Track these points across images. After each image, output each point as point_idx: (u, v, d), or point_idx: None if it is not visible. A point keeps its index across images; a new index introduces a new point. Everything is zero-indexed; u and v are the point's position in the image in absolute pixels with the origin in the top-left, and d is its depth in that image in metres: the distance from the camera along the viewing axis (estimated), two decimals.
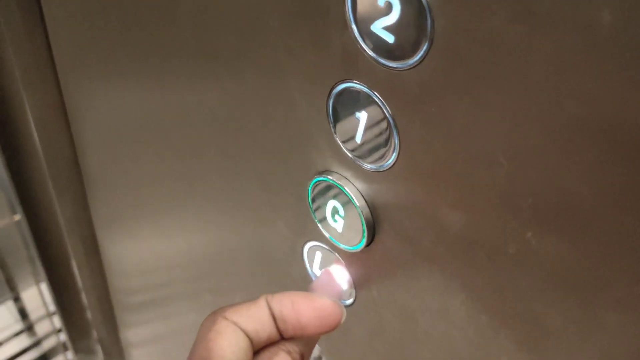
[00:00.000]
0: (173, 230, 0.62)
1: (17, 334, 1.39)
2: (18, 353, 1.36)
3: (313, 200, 0.36)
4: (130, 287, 0.86)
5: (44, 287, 0.98)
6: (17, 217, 0.90)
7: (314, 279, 0.40)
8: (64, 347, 1.08)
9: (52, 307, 1.01)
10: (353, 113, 0.31)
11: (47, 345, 1.27)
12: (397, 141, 0.29)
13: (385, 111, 0.29)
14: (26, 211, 0.85)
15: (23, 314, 1.37)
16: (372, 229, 0.33)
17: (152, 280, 0.77)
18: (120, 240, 0.79)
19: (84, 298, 0.92)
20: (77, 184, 0.79)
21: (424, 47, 0.25)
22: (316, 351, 0.44)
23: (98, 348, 1.01)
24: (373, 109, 0.29)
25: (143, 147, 0.57)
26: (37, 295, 1.07)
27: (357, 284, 0.37)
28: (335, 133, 0.33)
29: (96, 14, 0.49)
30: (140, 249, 0.75)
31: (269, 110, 0.36)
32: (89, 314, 0.95)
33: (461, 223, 0.29)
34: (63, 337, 1.05)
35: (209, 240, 0.54)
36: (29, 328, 1.37)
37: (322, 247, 0.38)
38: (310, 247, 0.39)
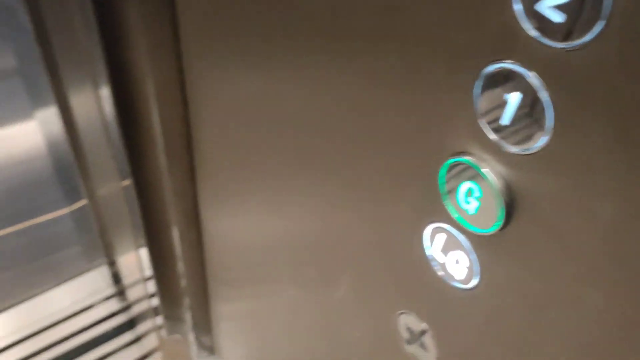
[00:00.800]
0: (281, 211, 0.63)
1: (108, 298, 1.47)
2: (107, 316, 1.44)
3: (446, 180, 0.36)
4: (227, 262, 0.89)
5: (142, 253, 1.03)
6: (126, 182, 0.94)
7: (432, 263, 0.41)
8: (154, 312, 1.13)
9: (147, 272, 1.06)
10: (502, 94, 0.31)
11: (136, 310, 1.33)
12: (551, 125, 0.29)
13: (541, 93, 0.29)
14: (135, 178, 0.90)
15: (116, 279, 1.44)
16: (509, 213, 0.33)
17: (251, 259, 0.79)
18: (223, 215, 0.82)
19: (180, 266, 0.96)
20: (187, 157, 0.82)
21: (598, 27, 0.25)
22: (421, 325, 0.44)
23: (188, 317, 1.05)
24: (529, 90, 0.29)
25: (259, 127, 0.59)
26: (134, 261, 1.12)
27: (482, 268, 0.37)
28: (479, 114, 0.33)
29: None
30: (244, 227, 0.78)
31: (407, 88, 0.37)
32: (183, 282, 0.99)
33: (611, 214, 0.28)
34: (154, 302, 1.10)
35: (319, 220, 0.56)
36: (121, 293, 1.45)
37: (446, 229, 0.38)
38: (434, 229, 0.40)
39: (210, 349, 1.10)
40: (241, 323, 0.95)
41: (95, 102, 0.94)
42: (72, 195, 1.62)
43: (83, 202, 1.38)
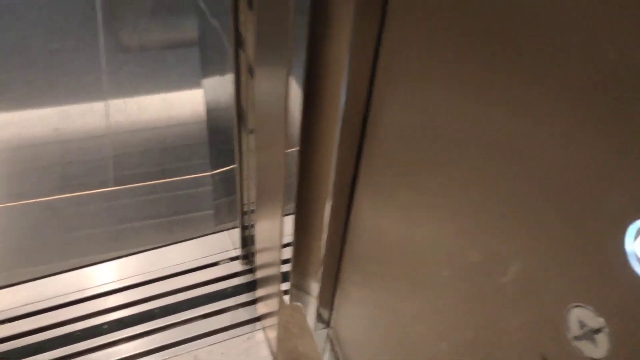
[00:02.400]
0: (427, 225, 0.66)
1: (238, 258, 1.57)
2: (234, 274, 1.54)
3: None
4: (365, 250, 0.93)
5: (287, 220, 1.10)
6: (289, 150, 1.01)
7: (630, 258, 0.42)
8: (281, 278, 1.19)
9: (285, 239, 1.13)
10: None
11: (260, 274, 1.42)
12: None
13: None
14: (304, 147, 0.96)
15: (250, 241, 1.54)
16: None
17: (386, 255, 0.83)
18: (374, 206, 0.86)
19: (323, 238, 1.01)
20: (358, 143, 0.87)
21: None
22: (598, 320, 0.45)
23: (315, 288, 1.11)
24: None
25: (435, 141, 0.63)
26: (275, 227, 1.19)
27: None
28: None
29: (439, 10, 0.55)
30: (388, 223, 0.81)
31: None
32: (320, 255, 1.04)
33: None
34: (285, 269, 1.16)
35: (464, 242, 0.58)
36: (252, 254, 1.54)
37: None
38: None
39: (327, 323, 1.15)
40: (360, 309, 0.98)
41: (283, 77, 1.01)
42: (219, 161, 1.74)
43: (231, 166, 1.48)
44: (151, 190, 1.80)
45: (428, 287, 0.74)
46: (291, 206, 1.08)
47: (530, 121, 0.49)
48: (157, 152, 1.88)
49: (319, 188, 0.98)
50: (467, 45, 0.54)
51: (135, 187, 1.81)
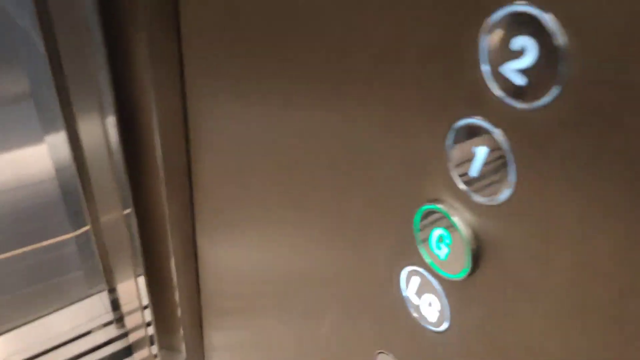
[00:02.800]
0: (272, 245, 0.65)
1: (106, 324, 1.48)
2: (105, 342, 1.45)
3: (420, 226, 0.38)
4: (222, 292, 0.90)
5: (141, 281, 1.05)
6: (127, 211, 0.97)
7: (408, 304, 0.42)
8: (150, 341, 1.14)
9: (144, 301, 1.07)
10: (471, 147, 0.33)
11: (133, 337, 1.34)
12: (514, 178, 0.31)
13: (505, 149, 0.30)
14: (136, 207, 0.92)
15: (115, 305, 1.46)
16: (476, 260, 0.35)
17: (243, 290, 0.80)
18: (219, 246, 0.84)
19: (176, 296, 0.97)
20: (186, 188, 0.84)
21: (555, 91, 0.27)
22: None
23: (182, 346, 1.06)
24: (493, 145, 0.31)
25: (254, 162, 0.61)
26: (133, 288, 1.13)
27: (453, 312, 0.38)
28: (450, 165, 0.34)
29: (230, 30, 0.54)
30: (236, 258, 0.79)
31: (389, 135, 0.39)
32: (179, 312, 1.00)
33: (570, 266, 0.30)
34: (150, 331, 1.11)
35: (306, 258, 0.57)
36: (119, 319, 1.45)
37: (420, 272, 0.40)
38: (409, 272, 0.41)
39: None
40: (232, 353, 0.95)
41: (102, 131, 0.97)
42: (77, 220, 1.64)
43: (86, 228, 1.40)
44: (9, 260, 1.67)
45: (271, 335, 0.73)
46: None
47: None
48: (9, 218, 1.74)
49: (161, 244, 0.94)
50: (267, 71, 0.52)
51: None
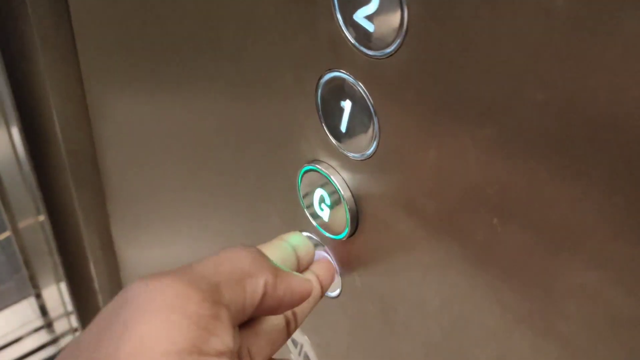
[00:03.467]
0: (185, 232, 0.64)
1: (37, 330, 1.42)
2: (36, 349, 1.39)
3: (302, 189, 0.37)
4: None
5: (64, 286, 1.01)
6: (41, 217, 0.93)
7: None
8: None
9: (70, 306, 1.04)
10: (339, 102, 0.32)
11: (64, 342, 1.29)
12: (377, 129, 0.30)
13: (367, 99, 0.30)
14: (49, 212, 0.88)
15: (43, 310, 1.40)
16: (356, 218, 0.34)
17: None
18: (136, 241, 0.81)
19: (100, 299, 0.94)
20: (96, 185, 0.81)
21: (400, 36, 0.26)
22: (303, 337, 0.45)
23: None
24: (356, 97, 0.30)
25: (156, 149, 0.59)
26: (57, 294, 1.09)
27: (342, 275, 0.38)
28: (322, 122, 0.34)
29: (119, 19, 0.52)
30: (154, 251, 0.77)
31: (265, 100, 0.38)
32: None
33: (435, 211, 0.29)
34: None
35: (213, 240, 0.56)
36: (49, 325, 1.40)
37: (311, 237, 0.39)
38: None
39: None
40: None
41: (8, 140, 0.92)
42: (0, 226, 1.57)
43: (7, 234, 1.34)
44: None
45: None
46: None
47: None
48: None
49: (78, 248, 0.90)
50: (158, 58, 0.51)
51: None
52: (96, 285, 0.92)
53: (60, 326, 1.27)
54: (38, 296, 1.35)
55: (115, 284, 0.93)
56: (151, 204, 0.69)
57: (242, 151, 0.43)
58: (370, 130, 0.30)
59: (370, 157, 0.31)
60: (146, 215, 0.74)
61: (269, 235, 0.43)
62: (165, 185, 0.63)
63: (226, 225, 0.52)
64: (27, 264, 1.31)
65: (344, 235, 0.35)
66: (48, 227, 0.89)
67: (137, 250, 0.83)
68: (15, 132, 0.83)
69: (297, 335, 0.46)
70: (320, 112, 0.33)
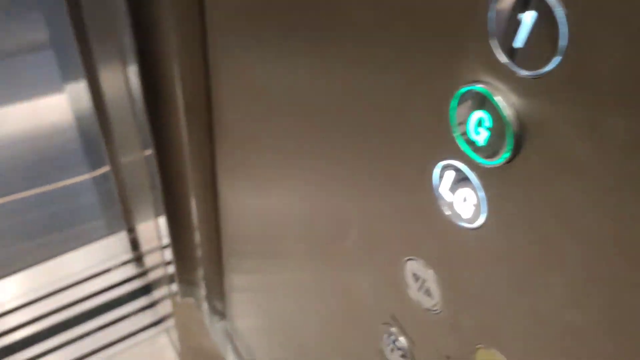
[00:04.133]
0: (291, 188, 0.64)
1: (125, 263, 1.49)
2: (124, 280, 1.47)
3: (457, 112, 0.36)
4: (240, 233, 0.90)
5: (161, 221, 1.04)
6: (148, 152, 0.96)
7: (440, 202, 0.40)
8: (169, 279, 1.14)
9: (164, 240, 1.07)
10: (516, 14, 0.30)
11: (152, 276, 1.35)
12: (565, 43, 0.28)
13: (557, 10, 0.28)
14: (157, 148, 0.91)
15: (134, 245, 1.46)
16: (519, 141, 0.32)
17: (260, 230, 0.80)
18: (239, 189, 0.83)
19: (196, 235, 0.97)
20: (207, 130, 0.83)
21: None
22: (427, 272, 0.44)
23: (202, 284, 1.06)
24: (542, 7, 0.28)
25: (274, 106, 0.60)
26: (152, 228, 1.13)
27: (490, 204, 0.36)
28: (492, 36, 0.32)
29: None
30: (256, 201, 0.78)
31: (415, 17, 0.36)
32: (199, 251, 1.00)
33: (623, 136, 0.27)
34: (170, 269, 1.11)
35: (324, 197, 0.56)
36: (138, 259, 1.47)
37: (455, 165, 0.38)
38: (443, 167, 0.39)
39: (222, 314, 1.11)
40: (252, 292, 0.95)
41: (123, 76, 0.95)
42: (96, 162, 1.65)
43: (106, 169, 1.40)
44: (31, 202, 1.68)
45: (291, 261, 0.72)
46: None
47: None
48: (30, 164, 1.75)
49: (181, 186, 0.93)
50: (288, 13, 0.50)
51: (13, 200, 1.68)
52: (194, 220, 0.95)
53: (150, 260, 1.33)
54: (130, 230, 1.41)
55: (213, 222, 0.96)
56: (256, 153, 0.70)
57: (385, 66, 0.42)
58: (556, 45, 0.28)
59: (548, 74, 0.29)
60: (250, 163, 0.75)
61: (400, 165, 0.42)
62: (277, 140, 0.63)
63: (348, 166, 0.51)
64: (123, 199, 1.37)
65: (501, 160, 0.34)
66: (154, 162, 0.92)
67: (236, 193, 0.85)
68: (132, 70, 0.86)
69: (420, 268, 0.45)
70: (491, 26, 0.32)
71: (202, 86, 0.78)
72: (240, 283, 0.99)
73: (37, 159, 1.75)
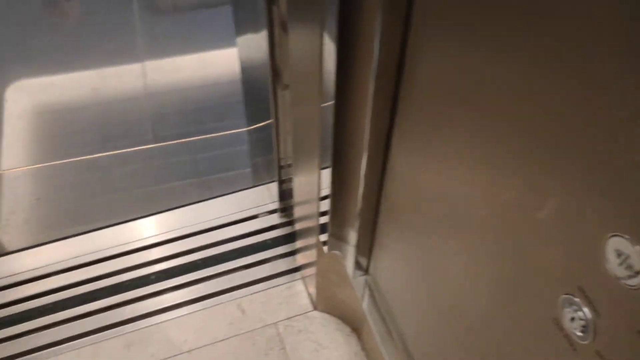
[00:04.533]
0: (465, 164, 0.68)
1: (272, 212, 1.61)
2: (269, 227, 1.59)
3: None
4: (401, 200, 0.95)
5: (324, 173, 1.13)
6: (324, 105, 1.03)
7: None
8: (319, 230, 1.23)
9: (323, 192, 1.16)
10: None
11: (300, 226, 1.46)
12: None
13: None
14: (339, 101, 0.98)
15: (283, 196, 1.58)
16: None
17: (423, 203, 0.85)
18: (410, 157, 0.88)
19: (360, 190, 1.04)
20: (393, 91, 0.89)
21: None
22: (634, 251, 0.47)
23: (353, 238, 1.14)
24: None
25: (470, 92, 0.64)
26: (313, 179, 1.23)
27: None
28: None
29: None
30: (425, 172, 0.83)
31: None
32: (358, 207, 1.07)
33: None
34: (322, 220, 1.20)
35: (501, 181, 0.60)
36: (284, 209, 1.58)
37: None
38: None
39: (365, 270, 1.19)
40: (400, 255, 1.01)
41: (318, 29, 1.02)
42: (258, 115, 1.77)
43: (269, 121, 1.51)
44: (189, 148, 1.85)
45: (464, 229, 0.77)
46: (328, 159, 1.11)
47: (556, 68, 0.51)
48: (194, 111, 1.92)
49: (355, 141, 1.00)
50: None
51: (173, 145, 1.86)
52: (362, 177, 1.02)
53: (300, 210, 1.43)
54: (282, 182, 1.52)
55: (378, 182, 1.02)
56: (440, 130, 0.75)
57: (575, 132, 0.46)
58: None
59: None
60: (429, 138, 0.79)
61: None
62: (460, 122, 0.67)
63: (548, 151, 0.55)
64: (280, 151, 1.48)
65: None
66: (331, 114, 0.99)
67: (409, 161, 0.90)
68: (326, 36, 0.93)
69: (626, 245, 0.48)
70: None
71: (397, 50, 0.84)
72: (392, 246, 1.06)
73: (200, 110, 1.92)
